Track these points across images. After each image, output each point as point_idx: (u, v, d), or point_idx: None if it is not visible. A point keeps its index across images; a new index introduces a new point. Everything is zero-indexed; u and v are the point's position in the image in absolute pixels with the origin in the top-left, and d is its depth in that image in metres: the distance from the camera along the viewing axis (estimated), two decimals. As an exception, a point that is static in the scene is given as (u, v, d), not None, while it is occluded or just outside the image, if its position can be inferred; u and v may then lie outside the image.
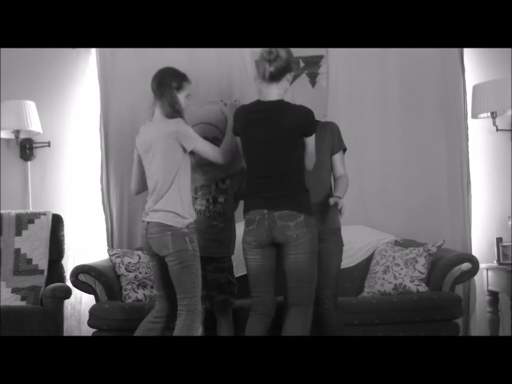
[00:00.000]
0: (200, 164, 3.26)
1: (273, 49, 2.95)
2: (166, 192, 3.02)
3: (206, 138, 3.20)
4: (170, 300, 3.11)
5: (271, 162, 2.93)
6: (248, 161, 3.03)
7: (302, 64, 3.19)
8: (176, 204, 3.01)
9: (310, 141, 2.99)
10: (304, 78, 3.21)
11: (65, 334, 3.98)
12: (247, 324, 3.03)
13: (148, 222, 3.05)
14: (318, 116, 3.10)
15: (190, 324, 3.00)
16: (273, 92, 2.98)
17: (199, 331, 3.11)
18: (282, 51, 2.96)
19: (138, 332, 3.13)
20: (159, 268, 3.11)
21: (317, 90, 3.19)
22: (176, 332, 3.00)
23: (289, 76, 3.00)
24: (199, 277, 3.03)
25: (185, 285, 3.00)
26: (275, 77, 2.95)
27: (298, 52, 3.26)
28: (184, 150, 3.05)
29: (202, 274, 3.24)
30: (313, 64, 3.23)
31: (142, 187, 3.25)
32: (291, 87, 3.04)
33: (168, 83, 3.09)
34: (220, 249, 3.29)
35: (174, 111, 3.07)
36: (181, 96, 3.12)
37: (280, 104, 2.96)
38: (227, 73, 4.45)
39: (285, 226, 2.89)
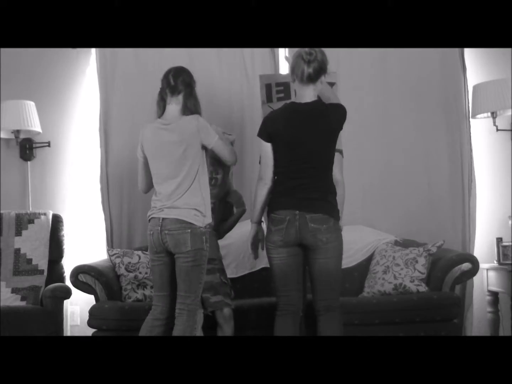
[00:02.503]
0: None
1: (312, 50, 2.94)
2: (187, 190, 2.98)
3: None
4: (175, 300, 3.06)
5: (309, 163, 2.92)
6: (282, 163, 2.98)
7: None
8: (198, 202, 2.99)
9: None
10: None
11: (65, 334, 3.98)
12: (275, 325, 2.99)
13: (163, 219, 2.99)
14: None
15: (192, 325, 2.99)
16: (310, 94, 2.97)
17: (198, 331, 3.11)
18: (319, 52, 2.95)
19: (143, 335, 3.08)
20: (167, 266, 3.04)
21: None
22: (179, 333, 2.97)
23: (323, 78, 2.99)
24: (204, 279, 3.03)
25: (193, 284, 2.97)
26: (312, 79, 2.95)
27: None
28: (203, 147, 3.03)
29: None
30: None
31: (150, 184, 3.19)
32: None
33: (192, 81, 3.10)
34: (210, 250, 3.31)
35: (197, 110, 3.07)
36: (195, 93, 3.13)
37: (320, 105, 2.98)
38: (228, 73, 4.46)
39: (317, 229, 2.88)
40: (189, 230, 2.94)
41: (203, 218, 3.00)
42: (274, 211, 2.97)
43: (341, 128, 2.99)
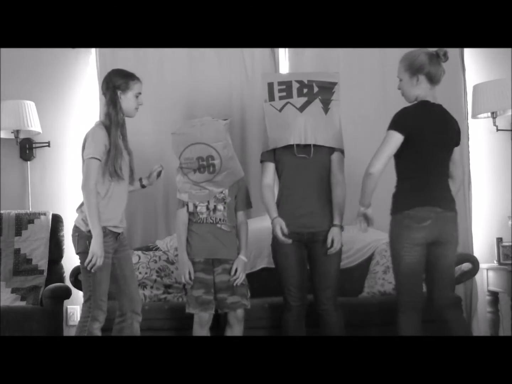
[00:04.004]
0: (196, 181, 3.29)
1: (446, 51, 2.96)
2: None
3: (200, 157, 3.23)
4: (119, 297, 3.17)
5: (438, 163, 2.95)
6: (416, 160, 2.95)
7: (316, 89, 3.23)
8: (86, 209, 3.04)
9: (457, 151, 3.06)
10: (317, 104, 3.25)
11: (65, 334, 3.98)
12: (400, 323, 2.95)
13: None
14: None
15: (80, 326, 3.06)
16: (434, 95, 3.00)
17: (205, 332, 3.20)
18: None
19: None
20: None
21: (329, 117, 3.26)
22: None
23: None
24: (95, 283, 3.02)
25: (84, 286, 3.08)
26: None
27: (312, 77, 3.33)
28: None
29: (209, 278, 3.25)
30: (326, 90, 3.27)
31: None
32: None
33: (110, 85, 3.13)
34: (226, 251, 3.31)
35: (104, 114, 3.10)
36: (129, 96, 3.13)
37: (444, 109, 3.01)
38: (228, 73, 4.46)
39: (453, 227, 2.95)
40: (77, 234, 3.09)
41: (86, 225, 3.05)
42: (412, 208, 2.91)
43: (458, 139, 3.05)
